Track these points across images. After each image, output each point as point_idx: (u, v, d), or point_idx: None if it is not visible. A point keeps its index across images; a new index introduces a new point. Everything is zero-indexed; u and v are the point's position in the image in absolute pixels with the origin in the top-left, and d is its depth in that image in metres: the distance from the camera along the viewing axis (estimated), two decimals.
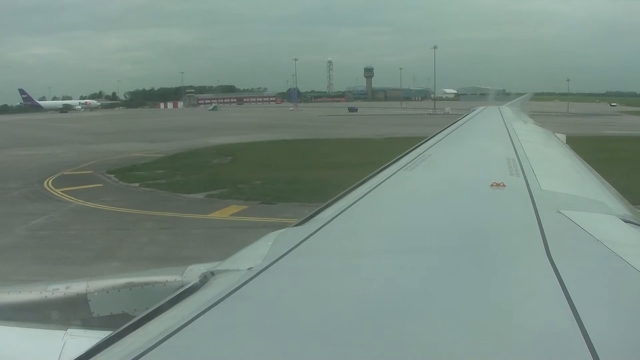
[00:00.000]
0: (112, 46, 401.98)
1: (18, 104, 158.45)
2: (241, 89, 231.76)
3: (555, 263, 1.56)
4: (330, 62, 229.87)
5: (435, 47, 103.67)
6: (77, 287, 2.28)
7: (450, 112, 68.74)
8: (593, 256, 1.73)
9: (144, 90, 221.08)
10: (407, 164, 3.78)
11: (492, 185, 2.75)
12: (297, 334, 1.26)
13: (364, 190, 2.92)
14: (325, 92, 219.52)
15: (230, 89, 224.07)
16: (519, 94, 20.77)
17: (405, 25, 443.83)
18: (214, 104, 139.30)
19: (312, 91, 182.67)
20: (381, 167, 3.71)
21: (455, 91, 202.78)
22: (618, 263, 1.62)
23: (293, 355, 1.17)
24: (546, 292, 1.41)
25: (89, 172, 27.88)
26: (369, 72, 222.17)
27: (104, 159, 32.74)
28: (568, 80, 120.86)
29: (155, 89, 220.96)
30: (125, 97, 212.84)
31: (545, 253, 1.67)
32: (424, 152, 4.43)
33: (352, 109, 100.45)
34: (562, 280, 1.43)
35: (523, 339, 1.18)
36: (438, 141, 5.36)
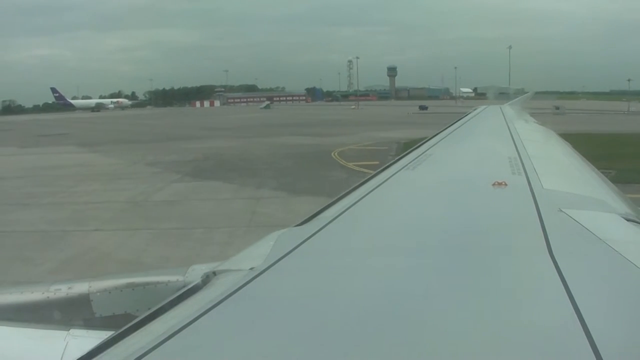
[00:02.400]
0: (118, 46, 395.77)
1: (50, 102, 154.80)
2: (260, 88, 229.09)
3: (558, 262, 1.57)
4: (350, 61, 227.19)
5: (510, 47, 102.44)
6: (80, 288, 2.27)
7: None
8: (595, 255, 1.74)
9: (164, 89, 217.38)
10: (409, 163, 3.81)
11: (494, 184, 2.74)
12: (299, 334, 1.26)
13: (366, 189, 2.93)
14: (346, 91, 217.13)
15: (252, 88, 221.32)
16: (520, 92, 20.89)
17: (409, 24, 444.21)
18: (266, 102, 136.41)
19: (325, 90, 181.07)
20: (383, 167, 3.75)
21: (471, 90, 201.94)
22: (620, 261, 1.62)
23: (295, 355, 1.17)
24: (548, 291, 1.42)
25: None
26: (392, 72, 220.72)
27: (340, 150, 30.18)
28: (629, 80, 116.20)
29: (175, 88, 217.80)
30: (145, 96, 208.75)
31: (547, 252, 1.68)
32: (425, 151, 4.45)
33: (423, 107, 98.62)
34: (564, 278, 1.44)
35: (525, 337, 1.19)
36: (439, 141, 5.41)
